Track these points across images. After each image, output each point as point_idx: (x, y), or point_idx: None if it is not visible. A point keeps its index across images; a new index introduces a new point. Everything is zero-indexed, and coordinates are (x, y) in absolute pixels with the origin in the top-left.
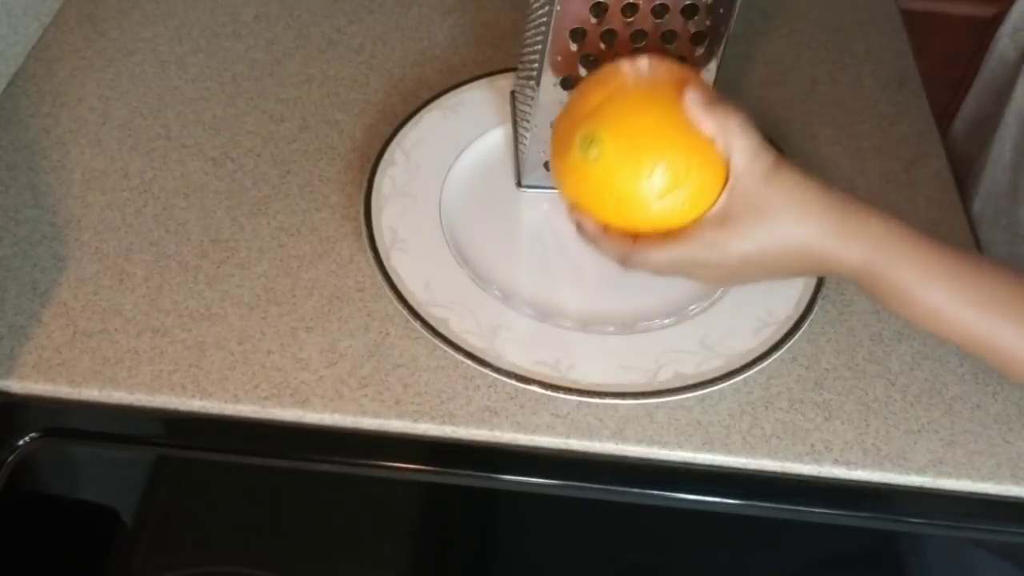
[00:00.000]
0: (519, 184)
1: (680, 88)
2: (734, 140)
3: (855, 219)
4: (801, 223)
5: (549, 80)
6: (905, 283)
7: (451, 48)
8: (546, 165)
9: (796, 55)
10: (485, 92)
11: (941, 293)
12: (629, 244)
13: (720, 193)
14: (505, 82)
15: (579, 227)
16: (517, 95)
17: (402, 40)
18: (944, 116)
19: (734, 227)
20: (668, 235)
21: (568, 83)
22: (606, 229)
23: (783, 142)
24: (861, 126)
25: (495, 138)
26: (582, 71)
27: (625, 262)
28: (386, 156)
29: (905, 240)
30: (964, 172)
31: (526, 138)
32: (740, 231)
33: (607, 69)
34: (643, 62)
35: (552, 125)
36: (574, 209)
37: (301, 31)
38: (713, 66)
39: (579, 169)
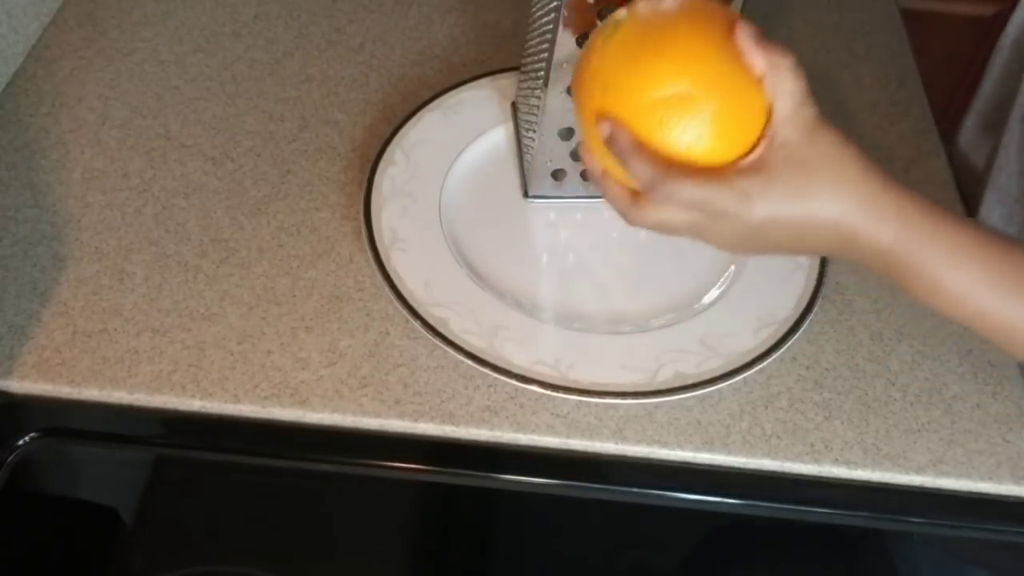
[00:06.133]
0: (526, 195)
1: (728, 24)
2: (782, 82)
3: (889, 195)
4: (837, 193)
5: (556, 87)
6: (932, 267)
7: (451, 48)
8: (554, 175)
9: (796, 55)
10: (485, 92)
11: (968, 276)
12: (663, 169)
13: (756, 140)
14: (505, 82)
15: (611, 139)
16: (520, 104)
17: (402, 40)
18: (944, 116)
19: (769, 180)
20: (704, 171)
21: None
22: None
23: None
24: (861, 126)
25: (495, 138)
26: None
27: (652, 187)
28: (386, 156)
29: (935, 221)
30: (972, 182)
31: (532, 147)
32: (775, 185)
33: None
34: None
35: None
36: (602, 118)
37: (301, 31)
38: None
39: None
